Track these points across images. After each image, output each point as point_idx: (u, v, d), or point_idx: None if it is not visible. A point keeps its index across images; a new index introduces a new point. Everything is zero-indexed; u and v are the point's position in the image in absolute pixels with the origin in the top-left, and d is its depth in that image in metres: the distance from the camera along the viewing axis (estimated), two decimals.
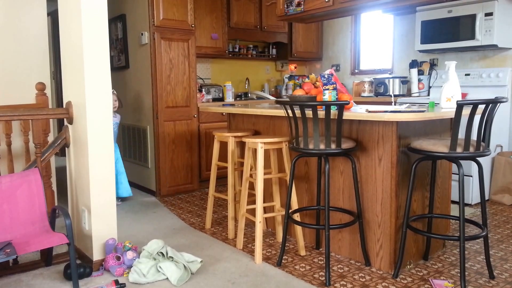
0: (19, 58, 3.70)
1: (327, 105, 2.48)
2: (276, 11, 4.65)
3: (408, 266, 2.75)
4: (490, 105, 2.36)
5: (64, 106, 2.97)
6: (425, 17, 4.61)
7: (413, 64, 5.01)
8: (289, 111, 2.68)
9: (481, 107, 2.39)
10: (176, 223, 3.73)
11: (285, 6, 4.50)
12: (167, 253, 2.69)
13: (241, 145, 3.50)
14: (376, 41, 5.84)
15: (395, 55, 5.47)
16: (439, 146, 2.39)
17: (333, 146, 2.56)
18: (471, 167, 3.99)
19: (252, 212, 3.06)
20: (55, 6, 3.06)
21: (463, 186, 2.35)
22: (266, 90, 6.24)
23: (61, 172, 3.72)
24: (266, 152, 3.14)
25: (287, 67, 6.53)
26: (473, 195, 4.08)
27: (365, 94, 5.41)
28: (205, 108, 3.82)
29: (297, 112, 2.61)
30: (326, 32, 6.38)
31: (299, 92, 3.12)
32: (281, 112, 2.91)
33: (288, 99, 3.25)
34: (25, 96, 3.59)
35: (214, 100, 5.27)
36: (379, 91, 5.11)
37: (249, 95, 5.92)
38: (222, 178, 4.35)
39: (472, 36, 4.24)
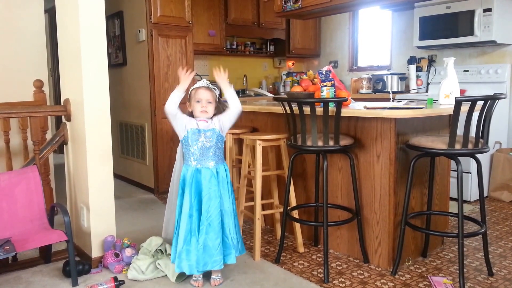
0: (17, 55, 3.68)
1: (325, 102, 2.47)
2: (274, 7, 4.65)
3: (407, 263, 2.75)
4: (489, 101, 2.36)
5: (62, 104, 2.96)
6: (424, 13, 4.60)
7: (412, 60, 5.01)
8: (287, 108, 2.67)
9: (480, 104, 2.39)
10: None
11: (283, 2, 4.50)
12: (165, 250, 2.68)
13: (239, 142, 3.49)
14: (374, 37, 5.83)
15: (393, 52, 5.46)
16: (438, 142, 2.38)
17: (331, 143, 2.56)
18: (470, 164, 3.99)
19: (251, 209, 3.06)
20: (53, 3, 3.05)
21: (461, 183, 2.35)
22: (264, 87, 6.23)
23: (60, 170, 3.71)
24: (264, 149, 3.13)
25: (285, 64, 6.52)
26: (471, 192, 4.08)
27: (363, 90, 5.40)
28: None
29: (295, 109, 2.60)
30: (324, 29, 6.37)
31: (297, 89, 3.11)
32: (279, 109, 2.91)
33: (286, 96, 3.25)
34: (23, 94, 3.58)
35: None
36: (377, 87, 5.11)
37: (247, 92, 5.92)
38: None
39: (470, 32, 4.23)
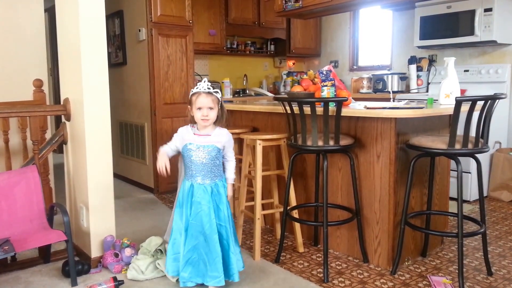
0: (16, 55, 3.68)
1: (326, 102, 2.47)
2: (275, 7, 4.64)
3: (406, 263, 2.75)
4: (489, 101, 2.36)
5: (61, 103, 2.96)
6: (424, 13, 4.59)
7: (412, 60, 5.00)
8: (288, 108, 2.67)
9: (480, 104, 2.38)
10: None
11: (284, 1, 4.49)
12: (165, 250, 2.68)
13: (239, 142, 3.49)
14: (375, 37, 5.83)
15: (394, 51, 5.45)
16: (438, 142, 2.38)
17: (331, 142, 2.55)
18: (470, 164, 3.99)
19: (251, 209, 3.06)
20: (52, 2, 3.04)
21: (461, 182, 2.35)
22: (264, 87, 6.23)
23: (59, 169, 3.70)
24: (265, 149, 3.12)
25: (285, 64, 6.52)
26: (471, 191, 4.08)
27: (364, 90, 5.40)
28: None
29: (296, 108, 2.60)
30: (325, 28, 6.37)
31: (297, 89, 3.11)
32: (279, 108, 2.90)
33: (286, 96, 3.24)
34: (22, 93, 3.57)
35: None
36: (378, 87, 5.10)
37: (247, 91, 5.91)
38: None
39: (471, 32, 4.23)
